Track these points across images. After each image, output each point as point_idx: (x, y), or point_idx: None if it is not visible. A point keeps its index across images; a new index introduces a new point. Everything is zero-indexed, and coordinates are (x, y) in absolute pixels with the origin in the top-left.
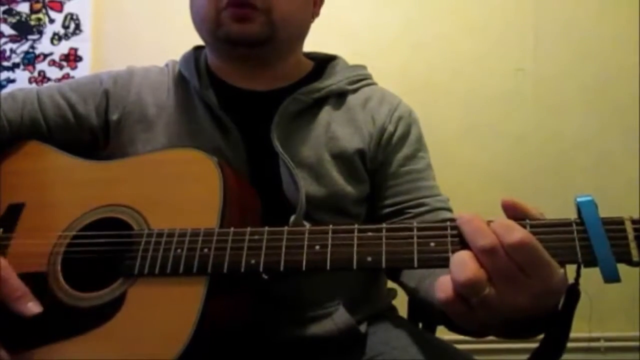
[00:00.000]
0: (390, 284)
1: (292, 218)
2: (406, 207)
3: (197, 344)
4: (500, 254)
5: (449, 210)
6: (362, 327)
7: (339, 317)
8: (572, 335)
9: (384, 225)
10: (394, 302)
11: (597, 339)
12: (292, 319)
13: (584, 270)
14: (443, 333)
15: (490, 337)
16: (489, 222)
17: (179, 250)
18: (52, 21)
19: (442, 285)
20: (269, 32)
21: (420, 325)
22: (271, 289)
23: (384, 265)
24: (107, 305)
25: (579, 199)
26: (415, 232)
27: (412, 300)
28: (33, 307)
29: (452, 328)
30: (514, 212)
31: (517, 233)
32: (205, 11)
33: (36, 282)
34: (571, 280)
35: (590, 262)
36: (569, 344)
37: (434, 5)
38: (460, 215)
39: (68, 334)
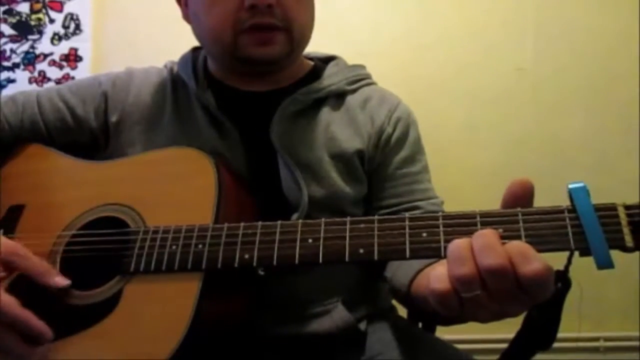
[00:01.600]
0: None
1: (294, 217)
2: (400, 209)
3: (191, 341)
4: (510, 279)
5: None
6: (362, 326)
7: (338, 314)
8: (571, 334)
9: (375, 217)
10: (394, 302)
11: (597, 339)
12: (290, 317)
13: (581, 270)
14: (443, 333)
15: (488, 338)
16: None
17: (173, 247)
18: (52, 21)
19: (438, 278)
20: (290, 48)
21: (420, 325)
22: (270, 286)
23: (376, 256)
24: (104, 303)
25: (571, 186)
26: (407, 223)
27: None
28: (60, 280)
29: (420, 315)
30: (522, 192)
31: (535, 263)
32: (221, 32)
33: (35, 282)
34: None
35: (583, 249)
36: (569, 344)
37: (434, 5)
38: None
39: (65, 332)
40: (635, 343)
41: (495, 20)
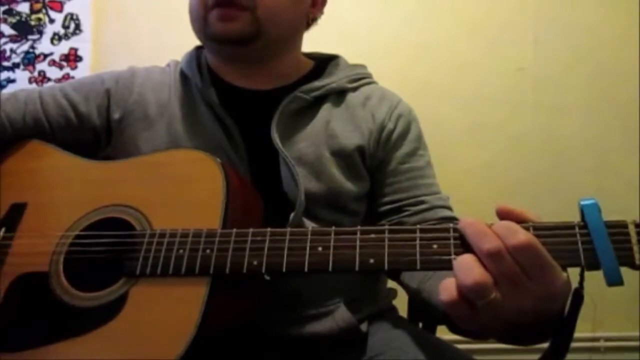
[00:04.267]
0: (391, 284)
1: (292, 215)
2: (405, 204)
3: (198, 345)
4: (505, 257)
5: (449, 208)
6: (363, 326)
7: (340, 315)
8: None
9: (386, 227)
10: (394, 302)
11: (597, 339)
12: (292, 317)
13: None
14: (443, 333)
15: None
16: (490, 225)
17: (181, 251)
18: (52, 21)
19: (445, 288)
20: (255, 30)
21: (421, 325)
22: (272, 287)
23: (386, 267)
24: (109, 305)
25: (582, 202)
26: (417, 234)
27: (413, 300)
28: None
29: (454, 329)
30: (509, 219)
31: (520, 235)
32: (196, 11)
33: (38, 282)
34: (575, 284)
35: (594, 265)
36: None
37: (434, 5)
38: (462, 219)
39: (69, 334)
40: (635, 343)
41: (495, 20)
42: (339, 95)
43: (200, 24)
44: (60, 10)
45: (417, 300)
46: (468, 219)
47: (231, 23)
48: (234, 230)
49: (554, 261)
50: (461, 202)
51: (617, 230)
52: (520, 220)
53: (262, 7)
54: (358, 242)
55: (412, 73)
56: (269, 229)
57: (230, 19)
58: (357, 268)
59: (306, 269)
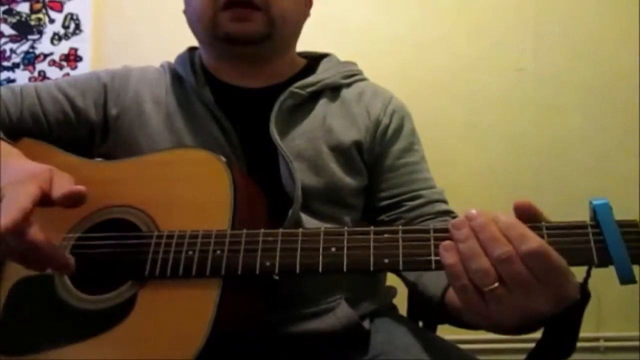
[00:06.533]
0: (390, 281)
1: (291, 211)
2: (403, 199)
3: (212, 346)
4: (515, 262)
5: (445, 202)
6: (365, 324)
7: (341, 311)
8: None
9: (400, 227)
10: (394, 301)
11: (597, 339)
12: (294, 315)
13: (582, 271)
14: (444, 332)
15: (490, 338)
16: (493, 218)
17: (190, 252)
18: (52, 21)
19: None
20: (268, 29)
21: (421, 324)
22: (274, 286)
23: (401, 267)
24: (117, 308)
25: (595, 202)
26: (431, 234)
27: (411, 295)
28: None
29: (449, 321)
30: (528, 215)
31: (532, 242)
32: (202, 11)
33: (42, 285)
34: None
35: (606, 264)
36: None
37: (434, 5)
38: (471, 216)
39: (76, 337)
40: (635, 343)
41: (495, 20)
42: (333, 91)
43: (209, 24)
44: (60, 10)
45: (413, 292)
46: (479, 219)
47: (246, 23)
48: (244, 231)
49: (565, 264)
50: (461, 202)
51: (628, 229)
52: (536, 218)
53: (275, 8)
54: (372, 243)
55: (413, 73)
56: (280, 230)
57: (245, 19)
58: (372, 268)
59: (320, 270)
